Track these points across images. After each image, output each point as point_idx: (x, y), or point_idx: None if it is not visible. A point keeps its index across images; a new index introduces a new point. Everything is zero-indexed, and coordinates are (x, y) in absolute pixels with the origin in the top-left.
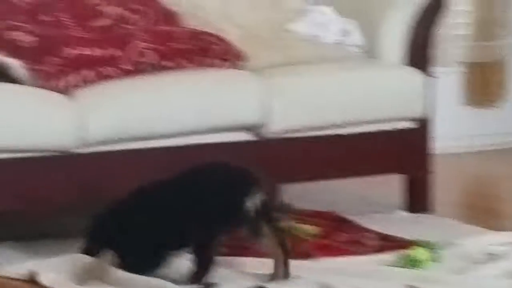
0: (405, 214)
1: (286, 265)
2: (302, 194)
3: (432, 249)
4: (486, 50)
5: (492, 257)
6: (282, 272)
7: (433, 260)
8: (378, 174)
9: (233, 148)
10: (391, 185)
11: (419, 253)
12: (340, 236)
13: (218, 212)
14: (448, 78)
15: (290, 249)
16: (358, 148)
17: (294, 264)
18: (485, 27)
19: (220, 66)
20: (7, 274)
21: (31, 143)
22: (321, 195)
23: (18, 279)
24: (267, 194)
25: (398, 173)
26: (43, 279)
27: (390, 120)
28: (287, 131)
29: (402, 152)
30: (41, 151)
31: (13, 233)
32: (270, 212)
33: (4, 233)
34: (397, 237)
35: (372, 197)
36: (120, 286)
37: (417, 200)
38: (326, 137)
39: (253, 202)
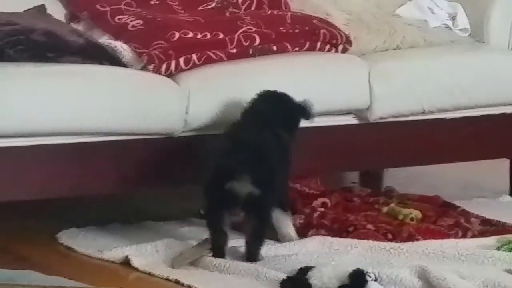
0: (510, 198)
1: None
2: (407, 179)
3: None
4: None
5: None
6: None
7: None
8: (484, 158)
9: (339, 131)
10: (498, 170)
11: None
12: (444, 220)
13: None
14: None
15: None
16: (464, 133)
17: (394, 246)
18: None
19: (327, 50)
20: (105, 258)
21: (139, 126)
22: (426, 180)
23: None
24: None
25: (504, 157)
26: (136, 263)
27: (497, 105)
28: (392, 116)
29: (508, 137)
30: (149, 134)
31: (118, 216)
32: None
33: (111, 216)
34: (500, 221)
35: (478, 182)
36: (215, 271)
37: None
38: (432, 122)
39: None
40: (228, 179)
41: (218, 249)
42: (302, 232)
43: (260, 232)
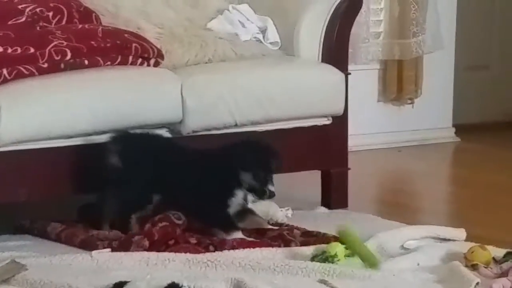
0: (325, 210)
1: None
2: None
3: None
4: (401, 47)
5: (408, 251)
6: None
7: (349, 255)
8: (297, 170)
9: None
10: (311, 182)
11: (335, 247)
12: (265, 231)
13: None
14: (365, 75)
15: None
16: (276, 145)
17: (211, 259)
18: (400, 24)
19: (139, 64)
20: None
21: None
22: None
23: None
24: None
25: (316, 169)
26: None
27: (307, 117)
28: (205, 129)
29: (320, 149)
30: None
31: None
32: None
33: None
34: (320, 232)
35: (293, 194)
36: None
37: (336, 196)
38: (244, 134)
39: None
40: None
41: None
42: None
43: None
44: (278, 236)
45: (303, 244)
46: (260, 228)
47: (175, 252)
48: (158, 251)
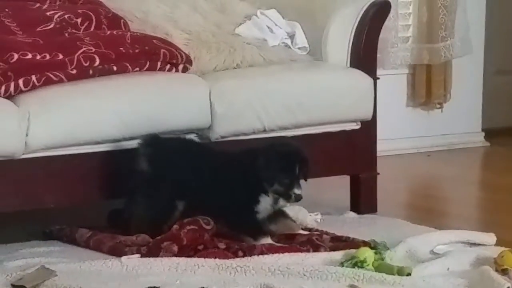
0: (354, 215)
1: None
2: None
3: (378, 249)
4: (430, 52)
5: (438, 256)
6: None
7: (379, 259)
8: (325, 175)
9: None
10: (340, 187)
11: (365, 253)
12: (297, 237)
13: None
14: (393, 80)
15: None
16: (305, 151)
17: (240, 264)
18: (429, 29)
19: (167, 70)
20: None
21: None
22: None
23: None
24: None
25: (345, 174)
26: None
27: (336, 122)
28: (234, 134)
29: (348, 154)
30: None
31: None
32: None
33: None
34: (350, 237)
35: (322, 199)
36: None
37: (365, 201)
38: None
39: None
40: None
41: None
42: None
43: None
44: (307, 241)
45: (332, 249)
46: (289, 233)
47: (204, 257)
48: (187, 256)
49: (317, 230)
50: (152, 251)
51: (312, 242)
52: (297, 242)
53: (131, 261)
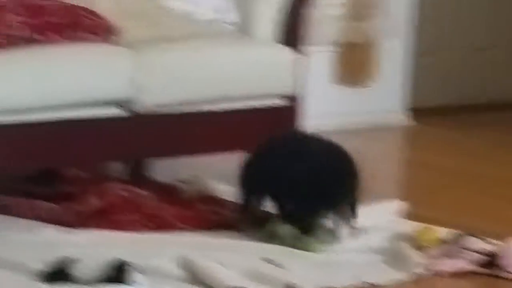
0: None
1: None
2: (173, 169)
3: (294, 222)
4: (358, 30)
5: (358, 232)
6: None
7: (298, 233)
8: (248, 150)
9: (104, 122)
10: None
11: (282, 227)
12: (201, 207)
13: None
14: (321, 57)
15: None
16: (229, 124)
17: (158, 238)
18: (357, 7)
19: (91, 40)
20: None
21: None
22: (191, 171)
23: None
24: None
25: None
26: None
27: (261, 97)
28: (157, 107)
29: (274, 129)
30: None
31: None
32: None
33: None
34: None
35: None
36: None
37: None
38: (198, 113)
39: None
40: None
41: None
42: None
43: None
44: (212, 210)
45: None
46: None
47: (115, 224)
48: (98, 218)
49: (224, 200)
50: (70, 221)
51: (216, 211)
52: (203, 209)
53: (49, 231)
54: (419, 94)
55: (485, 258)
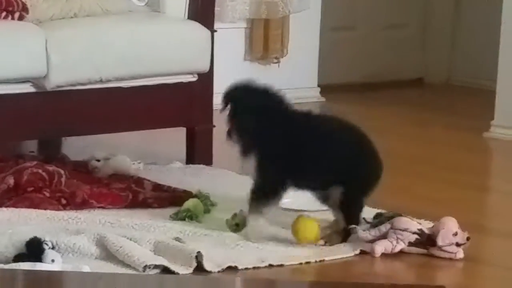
0: (183, 165)
1: None
2: (85, 147)
3: (202, 200)
4: (268, 6)
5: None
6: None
7: (207, 212)
8: (161, 127)
9: (16, 99)
10: (176, 139)
11: (193, 205)
12: (116, 184)
13: None
14: (231, 33)
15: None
16: (141, 102)
17: (71, 216)
18: None
19: (3, 18)
20: None
21: None
22: (104, 148)
23: None
24: None
25: (181, 126)
26: None
27: (173, 74)
28: (70, 84)
29: (185, 106)
30: None
31: None
32: None
33: None
34: (171, 187)
35: (153, 150)
36: None
37: (200, 153)
38: (110, 90)
39: None
40: None
41: None
42: None
43: None
44: (126, 187)
45: (154, 197)
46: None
47: (33, 206)
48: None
49: (138, 178)
50: None
51: (130, 188)
52: (117, 188)
53: None
54: (327, 70)
55: (418, 238)
